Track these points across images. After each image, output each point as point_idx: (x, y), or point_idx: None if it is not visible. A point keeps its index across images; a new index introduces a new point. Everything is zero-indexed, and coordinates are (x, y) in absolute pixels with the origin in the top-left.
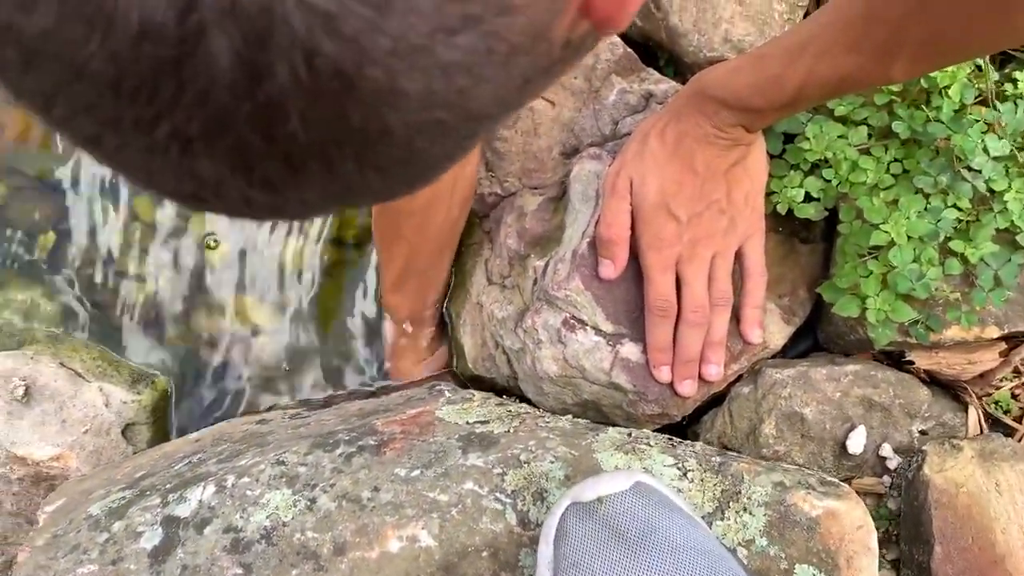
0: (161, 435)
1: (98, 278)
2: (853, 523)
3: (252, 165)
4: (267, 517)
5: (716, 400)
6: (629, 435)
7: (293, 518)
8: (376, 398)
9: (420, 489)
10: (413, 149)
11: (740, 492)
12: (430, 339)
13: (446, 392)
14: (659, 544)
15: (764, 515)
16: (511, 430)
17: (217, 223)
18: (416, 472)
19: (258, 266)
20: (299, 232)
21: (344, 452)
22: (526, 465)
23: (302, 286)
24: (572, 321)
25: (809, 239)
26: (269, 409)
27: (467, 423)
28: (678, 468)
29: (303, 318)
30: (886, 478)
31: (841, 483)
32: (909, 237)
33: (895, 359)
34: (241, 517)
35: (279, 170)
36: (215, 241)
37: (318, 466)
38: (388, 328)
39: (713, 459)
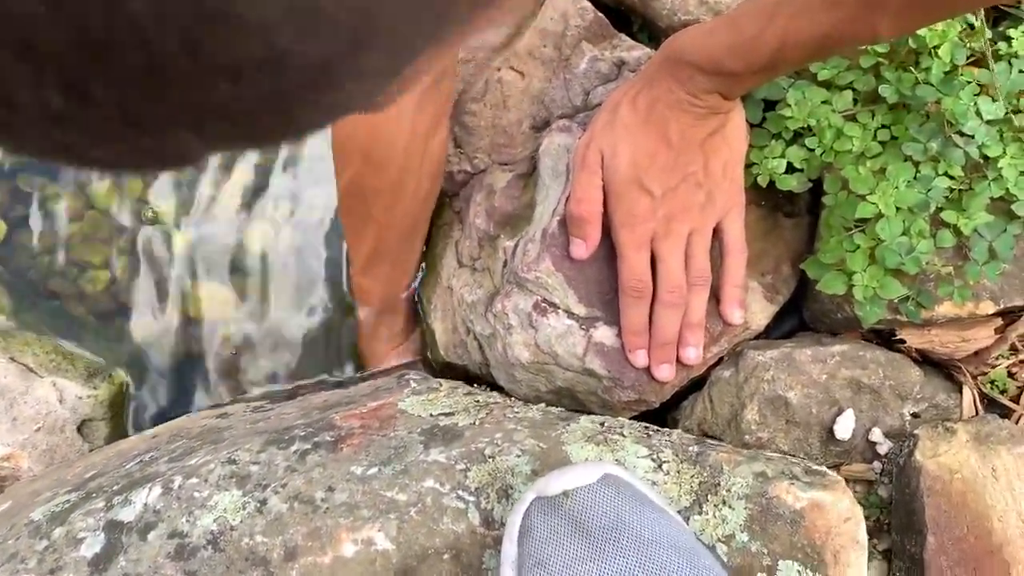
0: (120, 431)
1: (51, 268)
2: (840, 515)
3: (34, 39)
4: (214, 521)
5: (696, 385)
6: (602, 425)
7: (242, 521)
8: (343, 388)
9: (377, 488)
10: (274, 47)
11: (719, 484)
12: (403, 325)
13: (412, 382)
14: (628, 540)
15: (745, 508)
16: (477, 422)
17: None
18: (373, 470)
19: (222, 252)
20: (263, 215)
21: (299, 449)
22: (491, 460)
23: (269, 271)
24: (543, 304)
25: (793, 213)
26: (232, 402)
27: (431, 415)
28: (652, 459)
29: (270, 305)
30: (876, 464)
31: (828, 472)
32: (898, 208)
33: (885, 338)
34: (187, 521)
35: (75, 55)
36: (153, 211)
37: (271, 465)
38: (359, 314)
39: (690, 449)
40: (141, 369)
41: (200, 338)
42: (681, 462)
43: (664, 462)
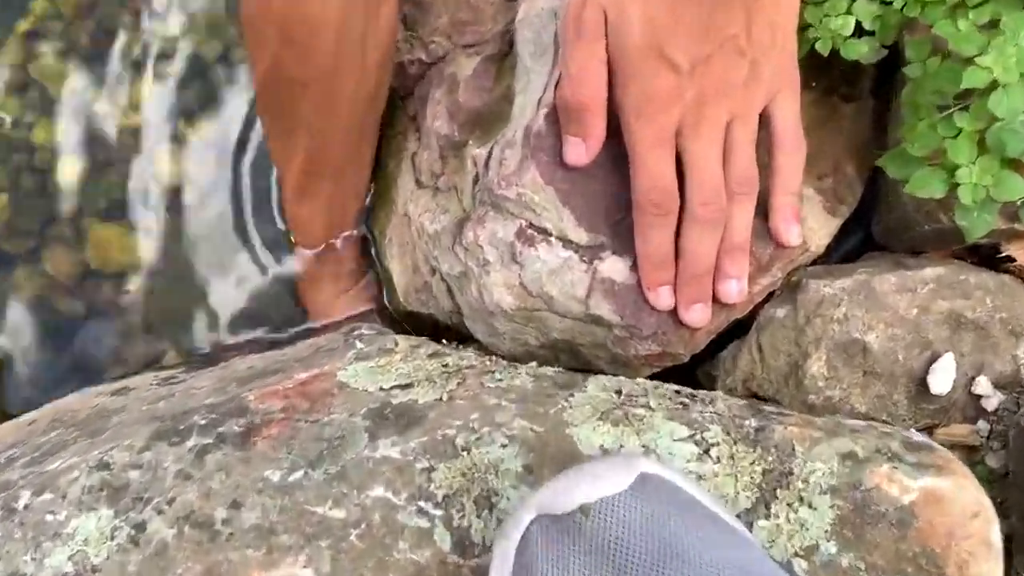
0: None
1: None
2: (965, 510)
3: None
4: (70, 558)
5: (738, 328)
6: (618, 393)
7: (109, 557)
8: (279, 349)
9: (303, 501)
10: None
11: (792, 473)
12: (352, 264)
13: (359, 342)
14: (679, 570)
15: (831, 507)
16: (444, 397)
17: (63, 127)
18: (298, 474)
19: (122, 185)
20: (172, 137)
21: (196, 445)
22: (465, 453)
23: (183, 206)
24: (530, 231)
25: (852, 95)
26: (138, 372)
27: (381, 389)
28: (696, 442)
29: (186, 248)
30: (982, 424)
31: (935, 445)
32: (1021, 74)
33: (984, 255)
34: (31, 559)
35: None
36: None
37: (157, 469)
38: (297, 252)
39: (746, 423)
40: (26, 336)
41: (101, 293)
42: (736, 443)
43: (712, 445)
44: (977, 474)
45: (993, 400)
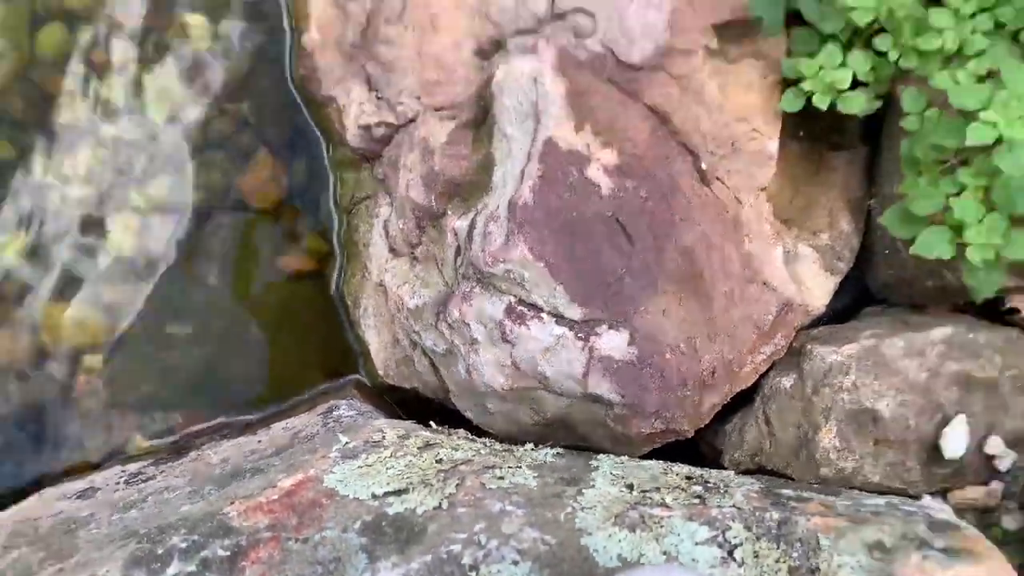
0: None
1: None
2: None
3: None
4: None
5: (743, 398)
6: (629, 488)
7: None
8: (253, 434)
9: None
10: None
11: (819, 570)
12: None
13: (340, 433)
14: None
15: None
16: (444, 503)
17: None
18: None
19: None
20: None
21: (179, 574)
22: (473, 574)
23: (117, 279)
24: (520, 308)
25: (842, 144)
26: (101, 466)
27: (373, 496)
28: (718, 544)
29: (147, 325)
30: (996, 484)
31: (961, 523)
32: None
33: (986, 306)
34: None
35: None
36: None
37: None
38: None
39: (767, 517)
40: None
41: (54, 379)
42: (758, 539)
43: (735, 545)
44: (992, 536)
45: (1006, 460)
